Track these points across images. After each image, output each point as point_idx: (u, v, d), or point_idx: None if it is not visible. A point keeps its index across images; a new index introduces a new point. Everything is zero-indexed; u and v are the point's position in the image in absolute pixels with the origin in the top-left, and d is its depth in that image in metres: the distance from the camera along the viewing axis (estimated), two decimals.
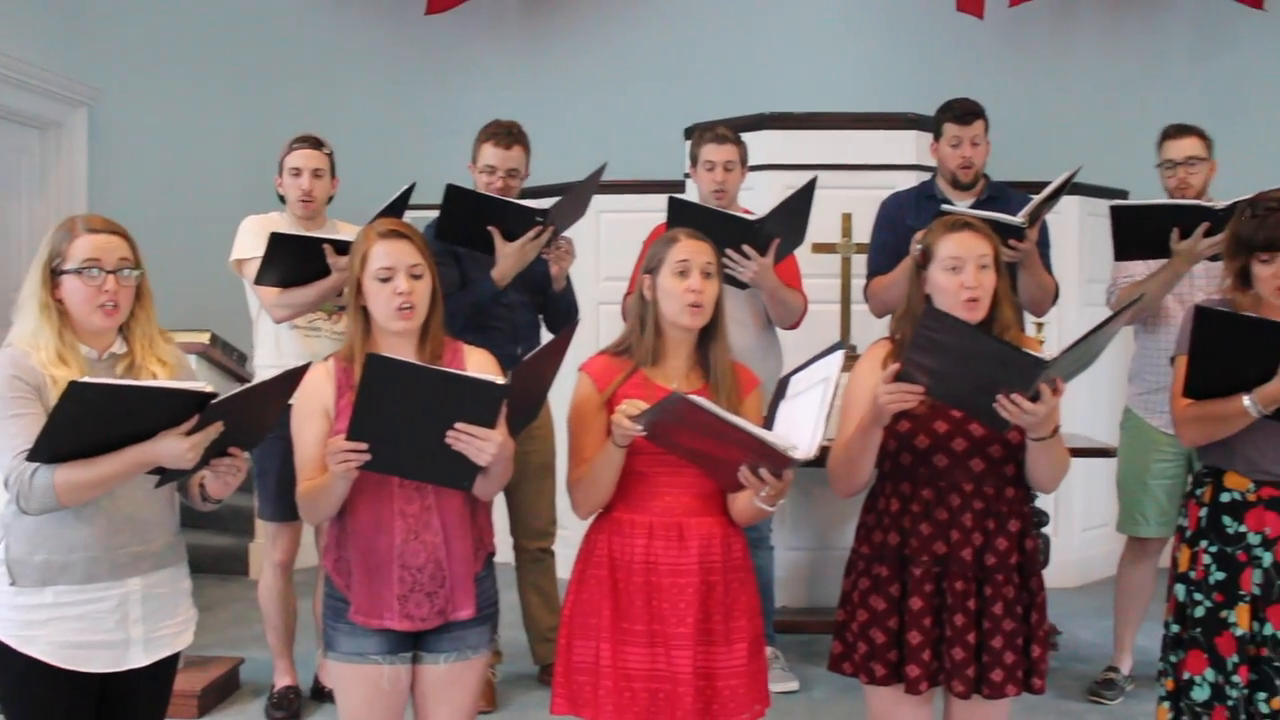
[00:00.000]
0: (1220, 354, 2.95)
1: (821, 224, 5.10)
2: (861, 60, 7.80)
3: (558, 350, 2.92)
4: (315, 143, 4.45)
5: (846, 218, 5.31)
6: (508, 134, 4.44)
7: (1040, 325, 4.96)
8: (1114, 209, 4.24)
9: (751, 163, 4.93)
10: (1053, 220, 5.94)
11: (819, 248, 5.22)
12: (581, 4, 8.28)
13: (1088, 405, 6.14)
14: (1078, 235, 6.27)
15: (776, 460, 2.58)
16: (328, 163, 4.45)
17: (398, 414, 2.58)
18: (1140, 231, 4.20)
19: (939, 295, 2.85)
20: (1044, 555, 5.27)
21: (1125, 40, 7.87)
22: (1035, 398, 2.62)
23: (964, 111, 4.46)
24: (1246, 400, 2.93)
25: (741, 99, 6.67)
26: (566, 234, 4.32)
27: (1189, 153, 4.47)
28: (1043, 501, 5.30)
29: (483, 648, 2.89)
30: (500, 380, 2.61)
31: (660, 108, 7.44)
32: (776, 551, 5.25)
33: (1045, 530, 5.32)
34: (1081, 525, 6.47)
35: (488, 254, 4.16)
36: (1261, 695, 3.02)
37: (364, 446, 2.59)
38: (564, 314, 4.51)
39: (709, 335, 2.91)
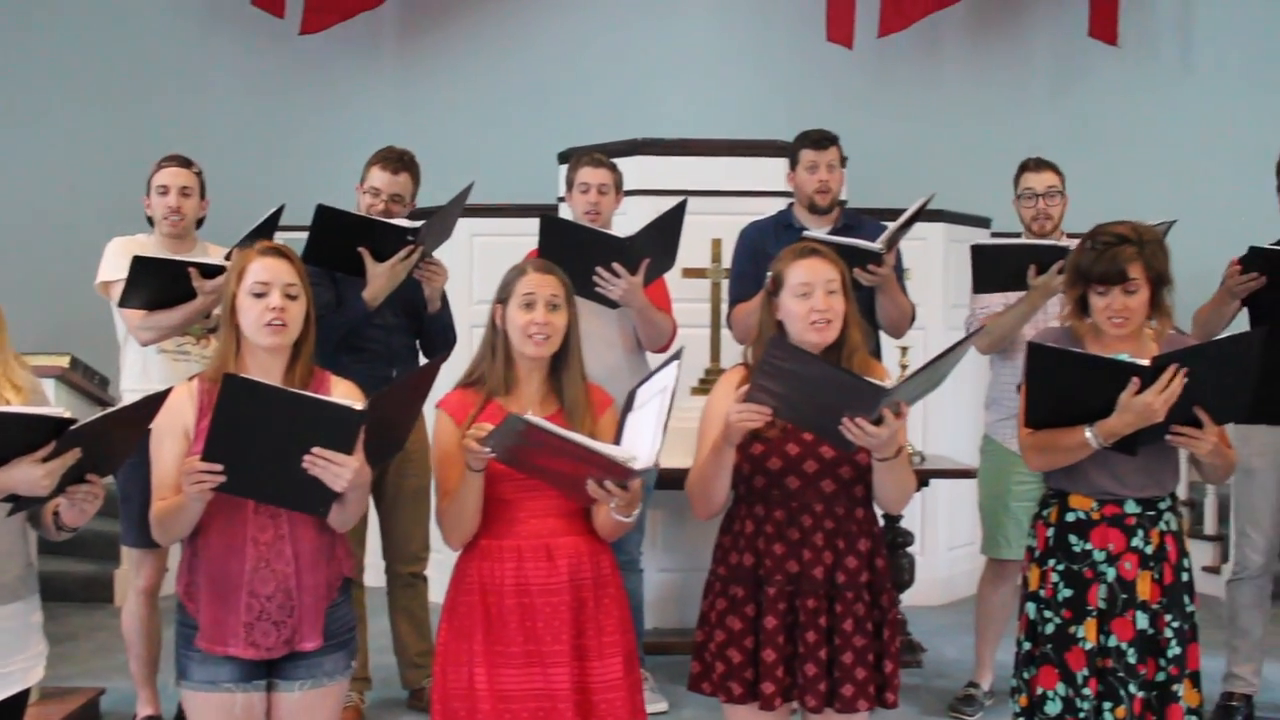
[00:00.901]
0: (1055, 386, 3.06)
1: (692, 249, 5.17)
2: (735, 88, 7.92)
3: (420, 381, 2.92)
4: (183, 161, 4.41)
5: (716, 243, 5.39)
6: (398, 160, 4.48)
7: (904, 350, 5.09)
8: (974, 249, 4.42)
9: (625, 188, 4.99)
10: (919, 247, 6.12)
11: (689, 272, 5.29)
12: (459, 27, 8.30)
13: (951, 429, 6.30)
14: (942, 261, 6.43)
15: (618, 472, 2.65)
16: (196, 182, 4.40)
17: (254, 436, 2.56)
18: (997, 267, 4.36)
19: (790, 320, 2.94)
20: (909, 574, 5.41)
21: (989, 72, 8.11)
22: (879, 421, 2.71)
23: (819, 137, 4.58)
24: (1088, 433, 3.05)
25: (617, 125, 6.74)
26: (436, 254, 4.33)
27: (1049, 184, 4.65)
28: (908, 521, 5.44)
29: (339, 675, 2.89)
30: (358, 406, 2.62)
31: (535, 133, 7.48)
32: (647, 573, 5.29)
33: (911, 550, 5.45)
34: (947, 545, 6.63)
35: (359, 277, 4.16)
36: (1107, 705, 3.13)
37: (219, 468, 2.58)
38: (440, 336, 4.51)
39: (561, 362, 2.96)
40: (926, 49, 8.12)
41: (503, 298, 2.96)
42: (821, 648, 2.93)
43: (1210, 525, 6.86)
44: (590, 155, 4.66)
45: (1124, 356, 3.03)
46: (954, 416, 6.32)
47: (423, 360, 4.50)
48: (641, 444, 2.66)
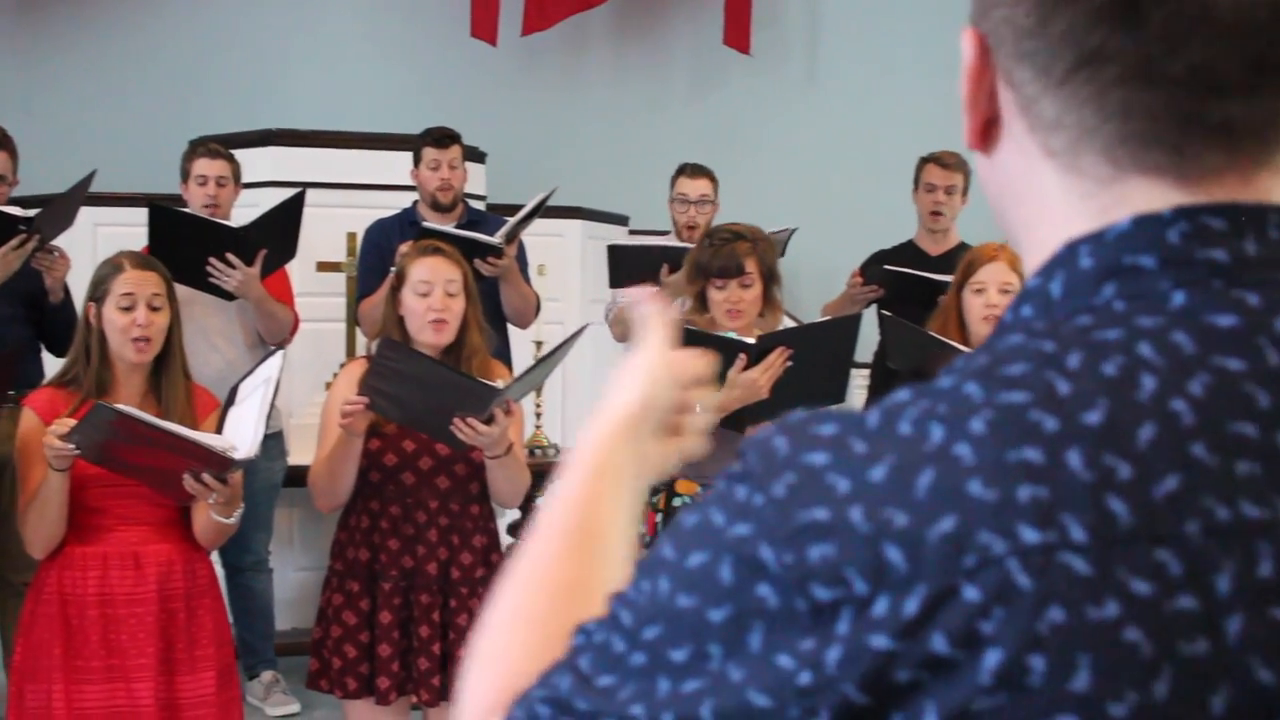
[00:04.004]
0: None
1: (327, 242, 5.12)
2: (377, 80, 7.83)
3: None
4: None
5: (352, 237, 5.32)
6: None
7: (539, 344, 5.19)
8: (610, 249, 4.68)
9: (259, 179, 4.88)
10: (556, 243, 6.26)
11: (324, 266, 5.22)
12: (85, 4, 7.86)
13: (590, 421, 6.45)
14: (580, 257, 6.57)
15: (216, 463, 2.61)
16: None
17: None
18: (631, 266, 4.54)
19: (410, 317, 2.97)
20: None
21: (630, 75, 8.35)
22: (490, 420, 2.77)
23: (441, 135, 4.64)
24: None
25: (251, 113, 6.57)
26: (58, 243, 4.13)
27: (703, 192, 4.85)
28: None
29: None
30: None
31: (166, 119, 7.16)
32: (286, 573, 5.21)
33: None
34: None
35: None
36: None
37: None
38: (64, 329, 4.27)
39: (162, 362, 2.88)
40: (571, 49, 8.28)
41: (97, 296, 2.85)
42: (435, 642, 2.98)
43: None
44: (206, 146, 4.55)
45: (731, 334, 3.21)
46: (593, 409, 6.47)
47: (47, 354, 4.29)
48: (242, 436, 2.63)
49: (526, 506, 5.25)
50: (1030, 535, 0.59)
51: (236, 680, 2.94)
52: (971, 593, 0.59)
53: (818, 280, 6.59)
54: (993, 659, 0.58)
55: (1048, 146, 0.69)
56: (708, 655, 0.64)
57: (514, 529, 5.43)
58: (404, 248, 3.54)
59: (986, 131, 0.72)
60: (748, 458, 0.67)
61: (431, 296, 2.94)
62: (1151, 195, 0.67)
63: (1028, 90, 0.68)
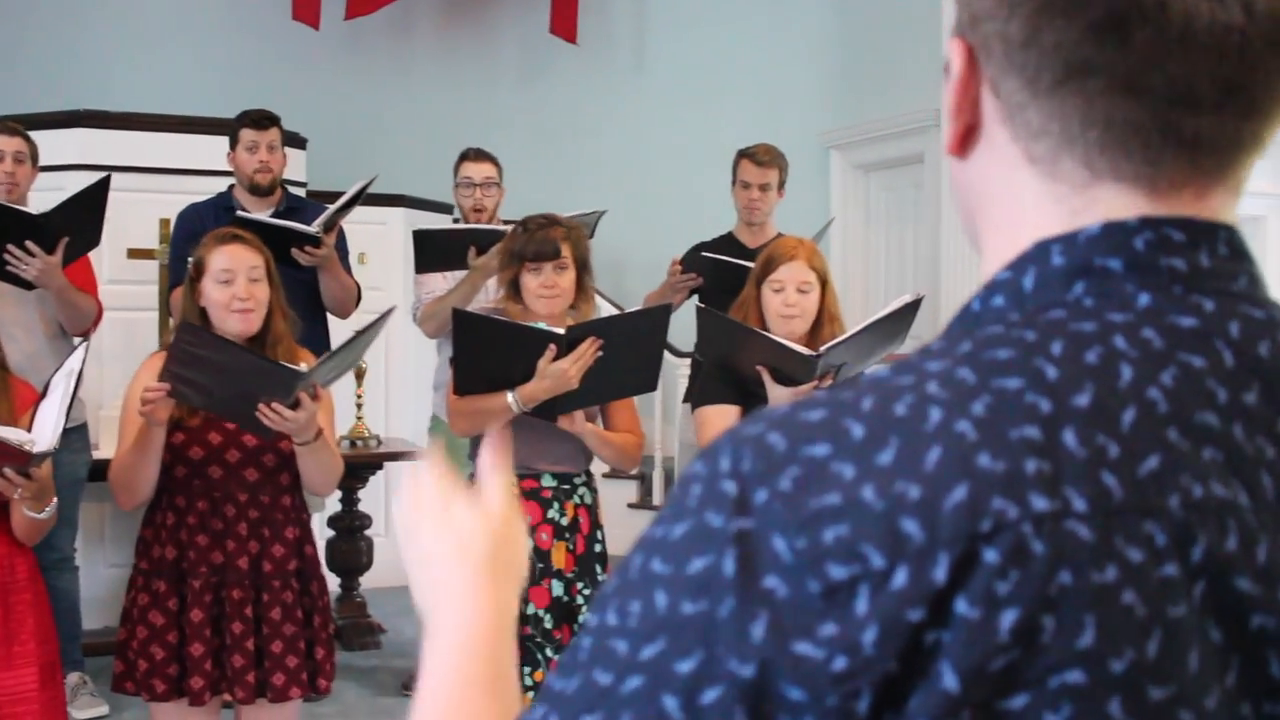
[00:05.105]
0: (480, 353, 3.23)
1: (139, 228, 4.97)
2: (195, 62, 7.61)
3: None
4: None
5: (165, 223, 5.16)
6: None
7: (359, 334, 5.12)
8: (415, 233, 4.55)
9: (66, 161, 4.71)
10: (379, 231, 6.20)
11: (136, 253, 5.06)
12: None
13: (413, 412, 6.39)
14: (402, 246, 6.45)
15: (15, 457, 2.53)
16: None
17: None
18: (438, 251, 4.50)
19: (213, 308, 2.93)
20: (368, 556, 5.48)
21: (458, 62, 8.28)
22: (295, 405, 2.74)
23: (260, 117, 4.55)
24: (510, 397, 3.22)
25: (61, 93, 6.33)
26: None
27: (487, 174, 4.82)
28: (368, 504, 5.49)
29: None
30: None
31: None
32: (96, 570, 5.06)
33: (370, 532, 5.52)
34: None
35: None
36: (526, 669, 3.30)
37: None
38: None
39: None
40: (396, 34, 8.17)
41: None
42: (249, 638, 2.92)
43: (658, 497, 7.36)
44: (1, 123, 4.37)
45: (541, 325, 3.23)
46: (415, 400, 6.42)
47: None
48: (42, 429, 2.56)
49: (348, 499, 5.25)
50: (1040, 503, 0.63)
51: (60, 678, 2.87)
52: (991, 555, 0.63)
53: (644, 270, 6.63)
54: (1009, 618, 0.62)
55: (1030, 153, 0.74)
56: (718, 659, 0.64)
57: (334, 522, 5.37)
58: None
59: (966, 138, 0.77)
60: (742, 457, 0.67)
61: (235, 284, 2.89)
62: (1120, 202, 0.73)
63: (1015, 99, 0.74)
